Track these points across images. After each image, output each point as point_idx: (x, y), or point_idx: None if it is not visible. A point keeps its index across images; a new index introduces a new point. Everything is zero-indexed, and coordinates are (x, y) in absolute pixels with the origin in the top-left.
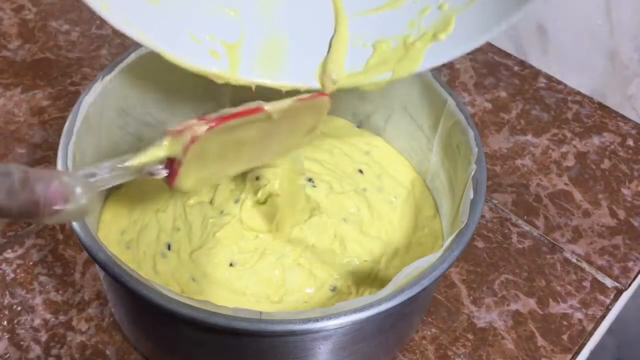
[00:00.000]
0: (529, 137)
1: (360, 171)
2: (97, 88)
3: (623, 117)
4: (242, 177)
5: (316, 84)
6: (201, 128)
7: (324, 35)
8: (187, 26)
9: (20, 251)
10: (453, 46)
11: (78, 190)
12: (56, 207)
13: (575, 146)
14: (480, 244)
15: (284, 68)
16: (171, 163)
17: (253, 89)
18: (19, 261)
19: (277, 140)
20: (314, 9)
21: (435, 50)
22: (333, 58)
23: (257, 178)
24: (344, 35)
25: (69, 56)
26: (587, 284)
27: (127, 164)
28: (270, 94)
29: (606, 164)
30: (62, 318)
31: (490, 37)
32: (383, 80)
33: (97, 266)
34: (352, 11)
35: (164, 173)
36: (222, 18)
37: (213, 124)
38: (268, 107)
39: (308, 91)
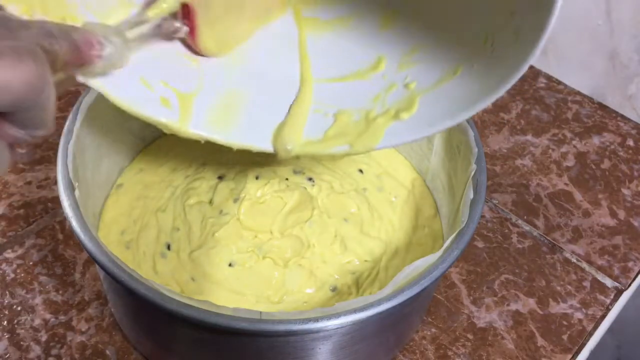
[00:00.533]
0: (529, 137)
1: (361, 171)
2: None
3: (623, 117)
4: (242, 176)
5: (269, 147)
6: None
7: (285, 97)
8: (140, 70)
9: (20, 251)
10: (414, 128)
11: (111, 35)
12: (95, 51)
13: (575, 146)
14: (480, 244)
15: (238, 126)
16: (187, 16)
17: (202, 142)
18: (19, 261)
19: None
20: (280, 69)
21: (396, 129)
22: (291, 123)
23: (257, 177)
24: (306, 100)
25: None
26: (587, 284)
27: (144, 14)
28: None
29: (606, 164)
30: (62, 318)
31: (452, 125)
32: (339, 153)
33: (97, 266)
34: (318, 76)
35: (184, 27)
36: (180, 66)
37: None
38: None
39: (259, 151)
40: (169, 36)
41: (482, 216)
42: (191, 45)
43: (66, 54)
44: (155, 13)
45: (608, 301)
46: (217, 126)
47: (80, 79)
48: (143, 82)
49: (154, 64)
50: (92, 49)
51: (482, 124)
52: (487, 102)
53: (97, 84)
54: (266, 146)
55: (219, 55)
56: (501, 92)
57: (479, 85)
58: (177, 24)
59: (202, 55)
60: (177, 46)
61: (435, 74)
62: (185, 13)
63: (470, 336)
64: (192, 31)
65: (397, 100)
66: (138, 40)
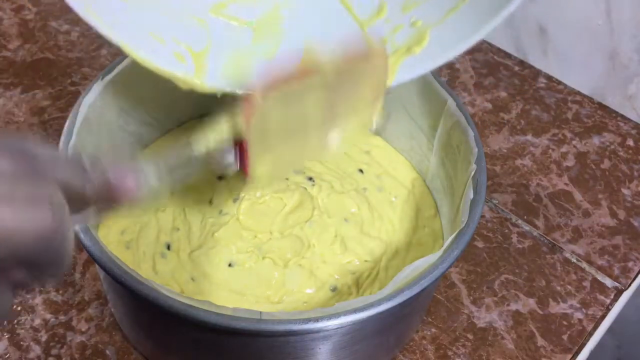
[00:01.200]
0: (529, 137)
1: (361, 171)
2: (97, 88)
3: (623, 117)
4: (242, 176)
5: None
6: (256, 93)
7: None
8: (153, 27)
9: None
10: (428, 58)
11: (149, 173)
12: (130, 188)
13: (575, 146)
14: (480, 244)
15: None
16: (240, 149)
17: (218, 96)
18: None
19: (341, 109)
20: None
21: (410, 63)
22: None
23: None
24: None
25: (69, 56)
26: (587, 284)
27: (194, 150)
28: None
29: (606, 164)
30: (62, 318)
31: (468, 47)
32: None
33: (97, 266)
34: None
35: (232, 157)
36: (188, 24)
37: (266, 89)
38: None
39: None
40: (214, 164)
41: (482, 216)
42: (241, 172)
43: (96, 193)
44: (207, 146)
45: (608, 301)
46: (232, 79)
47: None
48: (154, 37)
49: (162, 20)
50: (125, 185)
51: (482, 124)
52: (500, 18)
53: (119, 39)
54: None
55: (269, 185)
56: (512, 6)
57: (489, 5)
58: (232, 161)
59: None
60: (182, 5)
61: (442, 8)
62: (237, 146)
63: (470, 336)
64: (242, 162)
65: (407, 38)
66: (180, 175)
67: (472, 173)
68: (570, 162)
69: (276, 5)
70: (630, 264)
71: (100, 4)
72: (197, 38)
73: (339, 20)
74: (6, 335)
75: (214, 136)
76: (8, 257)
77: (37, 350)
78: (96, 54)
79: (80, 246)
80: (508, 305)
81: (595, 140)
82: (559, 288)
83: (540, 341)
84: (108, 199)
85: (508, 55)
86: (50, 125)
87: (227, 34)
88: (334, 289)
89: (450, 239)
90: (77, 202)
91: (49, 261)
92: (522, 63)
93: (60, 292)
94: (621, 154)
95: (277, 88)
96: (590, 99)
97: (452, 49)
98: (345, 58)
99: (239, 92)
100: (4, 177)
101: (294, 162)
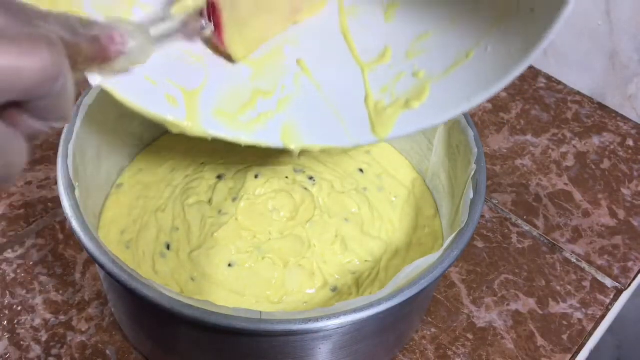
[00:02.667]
0: (529, 137)
1: (361, 170)
2: (96, 89)
3: (623, 117)
4: (241, 175)
5: (279, 143)
6: None
7: (290, 94)
8: (144, 68)
9: (20, 251)
10: (427, 115)
11: (133, 31)
12: (117, 46)
13: (575, 146)
14: (480, 244)
15: (245, 122)
16: (213, 14)
17: (204, 141)
18: (19, 261)
19: None
20: (284, 65)
21: (408, 118)
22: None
23: (256, 176)
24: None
25: None
26: (587, 283)
27: (168, 9)
28: None
29: (606, 164)
30: (62, 318)
31: (469, 108)
32: (348, 145)
33: (97, 266)
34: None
35: (209, 27)
36: (184, 63)
37: None
38: None
39: (267, 147)
40: (193, 35)
41: (482, 216)
42: (217, 45)
43: (88, 48)
44: (180, 10)
45: (608, 301)
46: (224, 123)
47: (97, 79)
48: (147, 79)
49: (158, 62)
50: (114, 44)
51: (482, 124)
52: (504, 83)
53: (105, 83)
54: (275, 142)
55: (246, 56)
56: (518, 71)
57: (493, 67)
58: (203, 22)
59: (227, 57)
60: (181, 45)
61: (445, 60)
62: (212, 11)
63: (470, 336)
64: (218, 30)
65: (407, 90)
66: (161, 37)
67: (472, 173)
68: (570, 162)
69: (280, 43)
70: (630, 264)
71: None
72: (192, 77)
73: (342, 62)
74: (6, 335)
75: (191, 0)
76: (12, 97)
77: (37, 350)
78: None
79: (80, 246)
80: (508, 305)
81: (595, 140)
82: (558, 288)
83: (540, 341)
84: (98, 55)
85: None
86: None
87: (224, 71)
88: (334, 289)
89: (450, 239)
90: (71, 58)
91: (54, 102)
92: None
93: (61, 292)
94: (621, 154)
95: None
96: (590, 99)
97: (452, 109)
98: None
99: (231, 138)
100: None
101: (266, 33)
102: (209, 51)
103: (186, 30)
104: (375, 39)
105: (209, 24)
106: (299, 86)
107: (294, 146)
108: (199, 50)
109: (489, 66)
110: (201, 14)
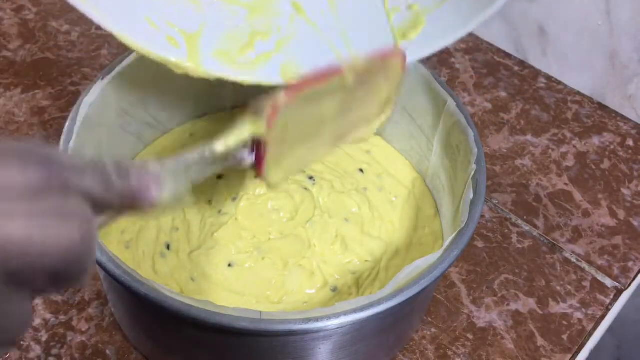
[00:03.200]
0: (529, 137)
1: (361, 170)
2: (97, 88)
3: (623, 117)
4: (241, 175)
5: (279, 80)
6: (281, 96)
7: (287, 32)
8: (145, 10)
9: None
10: (424, 45)
11: (170, 177)
12: (152, 195)
13: (575, 146)
14: (480, 244)
15: (246, 62)
16: (257, 147)
17: (212, 81)
18: None
19: (356, 113)
20: (278, 7)
21: (405, 48)
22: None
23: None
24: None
25: (69, 56)
26: (587, 283)
27: (214, 149)
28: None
29: (606, 164)
30: (62, 318)
31: (465, 34)
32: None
33: (97, 266)
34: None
35: (250, 159)
36: (181, 7)
37: (292, 91)
38: (344, 66)
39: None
40: (231, 163)
41: (482, 216)
42: (253, 171)
43: (120, 202)
44: (229, 146)
45: (608, 301)
46: (225, 64)
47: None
48: (149, 22)
49: (157, 4)
50: (149, 192)
51: (482, 124)
52: (498, 5)
53: (109, 23)
54: (276, 79)
55: (282, 183)
56: None
57: None
58: (246, 155)
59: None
60: None
61: None
62: (256, 146)
63: (470, 336)
64: (258, 161)
65: (402, 22)
66: (199, 178)
67: (472, 173)
68: (570, 162)
69: None
70: (630, 264)
71: None
72: (191, 20)
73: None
74: None
75: (234, 137)
76: (35, 272)
77: (37, 350)
78: (96, 54)
79: None
80: (508, 305)
81: (595, 140)
82: (558, 288)
83: (540, 341)
84: (131, 206)
85: (508, 55)
86: (51, 125)
87: (221, 14)
88: (335, 289)
89: (450, 239)
90: (99, 208)
91: (73, 274)
92: (522, 63)
93: (61, 292)
94: (621, 154)
95: (303, 90)
96: (590, 99)
97: (447, 36)
98: (365, 59)
99: (233, 77)
100: (33, 190)
101: (304, 163)
102: None
103: (226, 163)
104: None
105: (251, 156)
106: (295, 27)
107: (293, 79)
108: None
109: None
110: (244, 145)
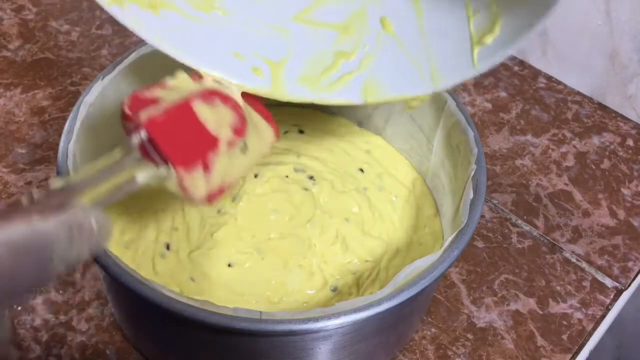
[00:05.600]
0: (529, 137)
1: (361, 170)
2: (97, 88)
3: (623, 117)
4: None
5: (360, 100)
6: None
7: (371, 51)
8: (233, 45)
9: None
10: (498, 49)
11: (93, 221)
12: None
13: (575, 146)
14: (480, 243)
15: (327, 84)
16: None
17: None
18: None
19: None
20: (369, 24)
21: (485, 53)
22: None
23: (256, 176)
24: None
25: (69, 56)
26: (586, 283)
27: (137, 181)
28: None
29: (606, 164)
30: (62, 318)
31: (533, 33)
32: (426, 94)
33: (97, 266)
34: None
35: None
36: (269, 36)
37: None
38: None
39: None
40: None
41: (482, 216)
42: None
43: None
44: (148, 180)
45: (608, 301)
46: (307, 88)
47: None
48: (236, 56)
49: (245, 37)
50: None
51: (482, 124)
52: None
53: (187, 60)
54: (355, 99)
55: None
56: None
57: None
58: (164, 173)
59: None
60: (264, 17)
61: None
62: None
63: (470, 336)
64: (182, 187)
65: (479, 26)
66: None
67: (472, 173)
68: (570, 162)
69: (364, 4)
70: (630, 264)
71: (168, 30)
72: (278, 49)
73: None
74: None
75: (156, 172)
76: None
77: (37, 350)
78: (96, 54)
79: None
80: (508, 305)
81: (595, 140)
82: (558, 288)
83: (540, 341)
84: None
85: None
86: (50, 125)
87: (309, 39)
88: (335, 289)
89: (450, 238)
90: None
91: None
92: (522, 63)
93: (60, 292)
94: (621, 154)
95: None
96: (590, 99)
97: (520, 38)
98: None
99: (315, 99)
100: None
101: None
102: (294, 23)
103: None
104: None
105: (170, 171)
106: (379, 44)
107: (372, 100)
108: (284, 22)
109: None
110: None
